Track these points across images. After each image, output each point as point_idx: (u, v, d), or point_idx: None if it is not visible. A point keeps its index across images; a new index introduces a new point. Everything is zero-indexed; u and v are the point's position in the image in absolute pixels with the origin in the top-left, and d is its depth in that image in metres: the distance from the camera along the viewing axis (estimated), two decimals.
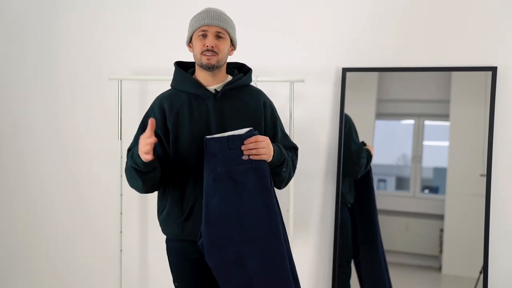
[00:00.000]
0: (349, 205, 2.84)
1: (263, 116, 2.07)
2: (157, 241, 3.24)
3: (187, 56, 3.24)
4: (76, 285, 3.47)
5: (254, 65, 2.87)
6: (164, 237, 2.21)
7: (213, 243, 1.91)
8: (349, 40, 2.80)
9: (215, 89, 2.06)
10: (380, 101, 2.82)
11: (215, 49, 2.00)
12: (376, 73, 2.79)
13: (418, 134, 2.83)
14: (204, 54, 2.01)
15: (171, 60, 3.16)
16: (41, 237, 3.53)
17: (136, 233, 3.28)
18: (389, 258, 2.84)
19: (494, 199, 2.55)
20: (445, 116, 2.78)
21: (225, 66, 2.10)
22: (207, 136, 1.92)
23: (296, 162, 2.15)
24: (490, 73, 2.53)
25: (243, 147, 1.90)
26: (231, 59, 2.17)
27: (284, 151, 2.03)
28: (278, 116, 2.15)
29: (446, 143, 2.77)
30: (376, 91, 2.82)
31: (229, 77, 2.12)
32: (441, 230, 2.83)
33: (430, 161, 2.82)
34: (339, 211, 2.77)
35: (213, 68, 2.02)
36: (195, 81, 2.07)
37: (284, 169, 2.02)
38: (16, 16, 3.49)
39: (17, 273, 3.63)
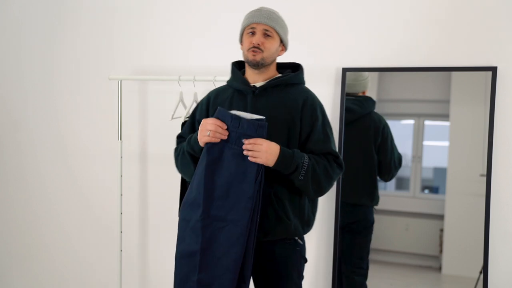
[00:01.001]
0: (375, 209, 2.80)
1: (298, 115, 2.03)
2: (157, 241, 3.25)
3: (187, 56, 3.24)
4: (76, 285, 3.47)
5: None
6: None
7: (184, 204, 2.00)
8: (349, 40, 2.80)
9: (253, 85, 2.08)
10: (380, 101, 2.82)
11: (261, 47, 2.02)
12: (376, 73, 2.79)
13: (418, 134, 2.83)
14: (250, 51, 2.03)
15: (171, 60, 3.18)
16: (41, 237, 3.54)
17: (136, 233, 3.28)
18: (389, 258, 2.84)
19: (494, 199, 2.54)
20: (445, 116, 2.78)
21: (273, 65, 2.11)
22: (220, 107, 1.98)
23: (334, 171, 2.03)
24: (490, 73, 2.53)
25: (244, 141, 1.91)
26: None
27: (302, 158, 1.95)
28: (324, 119, 2.08)
29: (446, 143, 2.77)
30: (376, 91, 2.82)
31: (278, 75, 2.12)
32: (441, 230, 2.83)
33: (430, 161, 2.82)
34: (339, 211, 2.76)
35: (258, 65, 2.04)
36: (241, 78, 2.10)
37: (301, 177, 1.95)
38: (17, 16, 3.49)
39: (17, 273, 3.63)
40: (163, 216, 3.18)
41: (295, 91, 2.08)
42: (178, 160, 2.14)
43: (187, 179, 2.17)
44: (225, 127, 1.94)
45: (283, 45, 2.11)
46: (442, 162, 2.82)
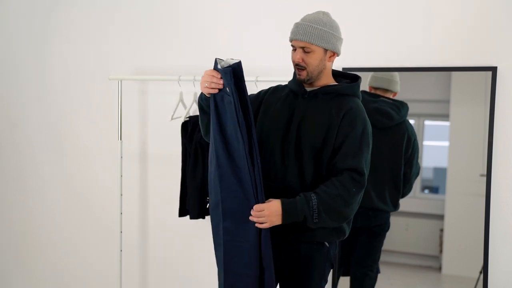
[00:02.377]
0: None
1: (338, 123, 1.99)
2: (157, 241, 3.25)
3: (186, 57, 3.24)
4: (76, 285, 3.47)
5: (254, 65, 2.88)
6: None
7: (209, 158, 2.08)
8: (349, 40, 2.80)
9: (305, 89, 2.09)
10: None
11: (301, 64, 2.03)
12: None
13: (418, 134, 2.83)
14: (296, 68, 2.06)
15: (171, 60, 3.18)
16: (41, 237, 3.54)
17: (136, 233, 3.28)
18: (389, 258, 2.84)
19: (494, 199, 2.54)
20: (445, 116, 2.78)
21: (325, 72, 2.08)
22: (216, 58, 1.99)
23: (352, 196, 1.95)
24: (490, 73, 2.53)
25: (252, 213, 1.93)
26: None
27: (310, 202, 1.91)
28: (364, 132, 2.00)
29: (446, 143, 2.77)
30: None
31: (332, 83, 2.11)
32: (441, 230, 2.83)
33: (430, 161, 2.82)
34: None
35: (305, 82, 2.06)
36: (298, 80, 2.10)
37: (316, 220, 1.91)
38: (16, 15, 3.49)
39: (17, 273, 3.63)
40: (163, 216, 3.18)
41: (345, 101, 2.04)
42: (199, 119, 2.19)
43: (203, 134, 2.20)
44: (219, 76, 1.94)
45: (332, 51, 2.06)
46: (442, 162, 2.82)
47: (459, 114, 2.74)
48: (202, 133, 2.19)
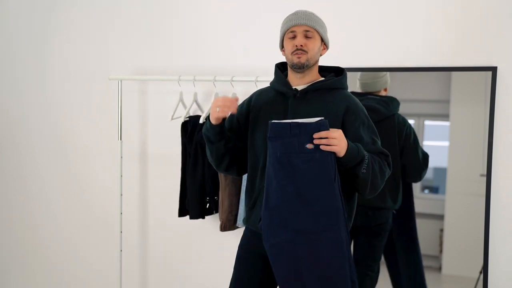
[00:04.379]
0: (394, 211, 2.76)
1: (340, 120, 2.02)
2: (157, 241, 3.25)
3: (186, 57, 3.24)
4: (76, 285, 3.47)
5: (254, 64, 2.88)
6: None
7: (269, 227, 1.93)
8: (348, 40, 2.80)
9: (295, 88, 2.08)
10: None
11: (304, 48, 2.03)
12: None
13: (418, 134, 2.83)
14: (294, 54, 2.04)
15: (171, 60, 3.18)
16: (41, 237, 3.54)
17: (136, 233, 3.28)
18: None
19: (494, 199, 2.54)
20: (445, 116, 2.78)
21: (316, 67, 2.11)
22: (272, 121, 1.92)
23: (386, 169, 2.03)
24: (490, 73, 2.53)
25: (314, 135, 1.87)
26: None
27: (364, 151, 1.94)
28: (369, 123, 2.07)
29: (446, 143, 2.77)
30: None
31: (320, 79, 2.12)
32: (441, 230, 2.83)
33: (430, 161, 2.81)
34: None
35: (303, 67, 2.04)
36: (284, 80, 2.11)
37: (364, 170, 1.92)
38: (15, 15, 3.49)
39: (17, 273, 3.63)
40: (163, 216, 3.18)
41: (337, 96, 2.07)
42: (207, 152, 2.17)
43: (215, 168, 2.19)
44: (234, 99, 1.96)
45: (325, 44, 2.12)
46: (442, 162, 2.82)
47: (459, 114, 2.74)
48: (215, 165, 2.17)
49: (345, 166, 1.93)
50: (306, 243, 1.89)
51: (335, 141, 1.87)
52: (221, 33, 3.03)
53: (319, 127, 1.87)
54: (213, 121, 2.03)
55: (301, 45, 2.02)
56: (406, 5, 2.70)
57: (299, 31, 2.04)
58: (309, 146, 1.87)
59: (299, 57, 2.03)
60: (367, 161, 1.93)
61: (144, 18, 3.20)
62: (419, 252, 2.75)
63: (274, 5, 2.93)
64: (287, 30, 2.07)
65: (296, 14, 2.07)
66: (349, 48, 2.80)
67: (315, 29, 2.05)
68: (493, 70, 2.52)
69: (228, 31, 3.02)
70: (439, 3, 2.65)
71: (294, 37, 2.05)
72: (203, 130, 2.11)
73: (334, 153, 1.88)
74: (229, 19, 3.02)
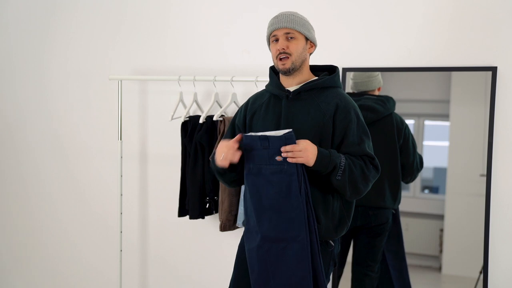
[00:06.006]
0: (393, 211, 2.75)
1: (331, 119, 2.02)
2: (157, 241, 3.25)
3: (186, 57, 3.25)
4: (76, 285, 3.47)
5: (254, 64, 2.88)
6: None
7: (246, 233, 2.06)
8: (349, 40, 2.80)
9: (287, 89, 2.08)
10: None
11: (287, 51, 2.03)
12: None
13: (418, 134, 2.83)
14: (279, 59, 2.05)
15: (171, 60, 3.18)
16: (41, 237, 3.54)
17: (136, 233, 3.28)
18: None
19: (494, 199, 2.54)
20: (445, 116, 2.78)
21: (306, 67, 2.11)
22: (245, 134, 1.98)
23: (371, 172, 2.01)
24: (490, 73, 2.53)
25: (281, 149, 1.91)
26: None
27: (339, 158, 1.94)
28: (359, 122, 2.05)
29: (446, 143, 2.77)
30: None
31: (312, 78, 2.11)
32: (441, 230, 2.83)
33: (430, 161, 2.82)
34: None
35: (289, 72, 2.05)
36: (276, 82, 2.12)
37: (339, 177, 1.93)
38: (15, 15, 3.49)
39: (17, 273, 3.63)
40: (163, 216, 3.18)
41: (330, 94, 2.06)
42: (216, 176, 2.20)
43: (225, 185, 2.27)
44: (236, 147, 1.96)
45: (311, 42, 2.11)
46: (442, 162, 2.82)
47: (459, 114, 2.74)
48: (225, 185, 2.27)
49: (319, 174, 1.96)
50: (275, 251, 1.96)
51: (300, 153, 1.90)
52: (221, 33, 3.03)
53: (285, 140, 1.91)
54: (219, 165, 2.03)
55: (283, 48, 2.03)
56: (406, 5, 2.70)
57: (280, 34, 2.05)
58: (278, 158, 1.93)
59: (283, 64, 2.04)
60: (342, 167, 1.94)
61: (144, 18, 3.20)
62: (385, 240, 2.76)
63: (274, 5, 2.93)
64: (270, 35, 2.09)
65: (277, 17, 2.07)
66: (349, 48, 2.80)
67: (296, 30, 2.04)
68: (493, 70, 2.52)
69: (228, 31, 3.02)
70: (439, 3, 2.65)
71: (277, 41, 2.06)
72: (211, 164, 2.15)
73: (303, 164, 1.92)
74: (229, 19, 3.02)
